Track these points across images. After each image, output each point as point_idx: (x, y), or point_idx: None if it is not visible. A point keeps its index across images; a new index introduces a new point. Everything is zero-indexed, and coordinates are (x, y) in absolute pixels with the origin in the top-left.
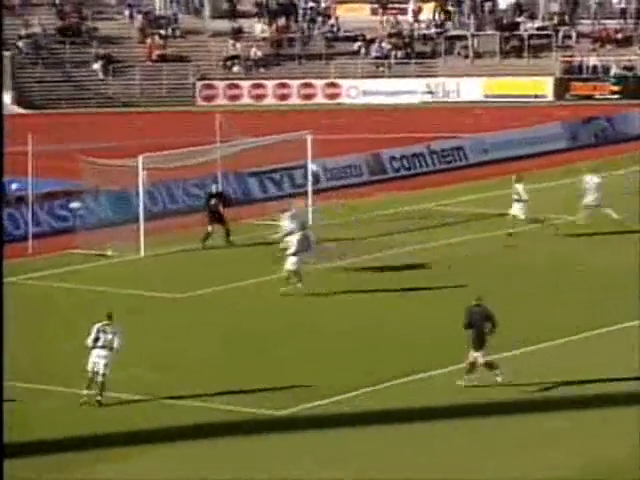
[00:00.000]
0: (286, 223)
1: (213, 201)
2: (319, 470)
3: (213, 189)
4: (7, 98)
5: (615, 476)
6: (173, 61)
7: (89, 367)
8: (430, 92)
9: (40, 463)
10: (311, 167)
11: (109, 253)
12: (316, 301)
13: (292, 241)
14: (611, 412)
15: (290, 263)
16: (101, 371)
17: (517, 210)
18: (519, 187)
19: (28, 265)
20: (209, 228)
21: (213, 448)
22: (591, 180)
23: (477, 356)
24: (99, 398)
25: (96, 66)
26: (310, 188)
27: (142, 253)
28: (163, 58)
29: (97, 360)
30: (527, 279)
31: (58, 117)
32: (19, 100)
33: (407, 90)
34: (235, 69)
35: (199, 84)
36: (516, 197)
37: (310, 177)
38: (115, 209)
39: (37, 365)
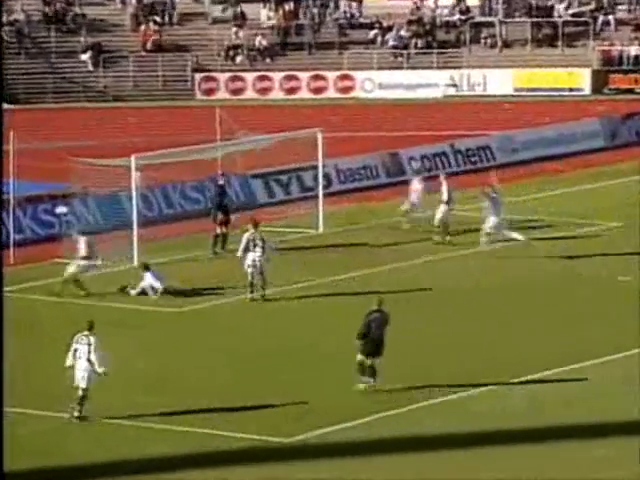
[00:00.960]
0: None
1: (223, 198)
2: None
3: (220, 181)
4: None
5: None
6: (170, 51)
7: (74, 383)
8: (454, 85)
9: None
10: (322, 168)
11: (99, 262)
12: (321, 317)
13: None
14: None
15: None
16: (80, 385)
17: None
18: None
19: (9, 276)
20: (218, 230)
21: (218, 478)
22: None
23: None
24: (80, 414)
25: (85, 56)
26: (321, 191)
27: (135, 262)
28: (159, 47)
29: (77, 373)
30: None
31: (43, 112)
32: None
33: (428, 83)
34: (238, 59)
35: (198, 76)
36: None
37: (321, 179)
38: (105, 214)
39: (19, 386)
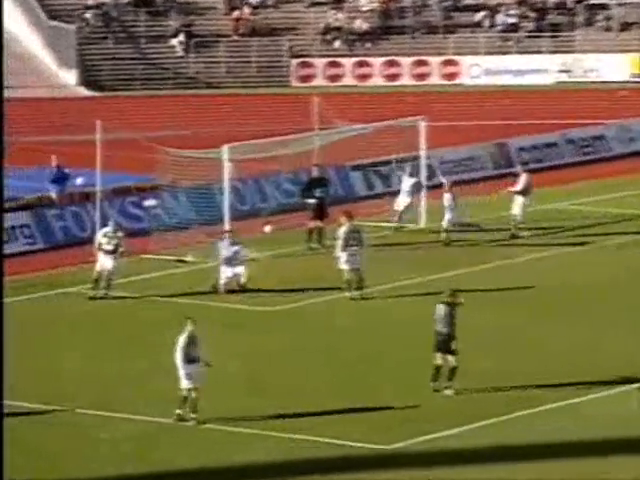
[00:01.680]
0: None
1: (317, 191)
2: None
3: (315, 173)
4: (72, 78)
5: None
6: (264, 35)
7: (183, 384)
8: (566, 71)
9: None
10: (425, 159)
11: (189, 259)
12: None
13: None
14: None
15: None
16: (193, 386)
17: None
18: None
19: (93, 273)
20: (311, 224)
21: None
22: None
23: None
24: (194, 416)
25: (175, 41)
26: (424, 184)
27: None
28: (253, 31)
29: (193, 376)
30: None
31: (130, 100)
32: (86, 81)
33: (539, 69)
34: (336, 44)
35: (294, 62)
36: None
37: (424, 171)
38: (196, 207)
39: (98, 388)
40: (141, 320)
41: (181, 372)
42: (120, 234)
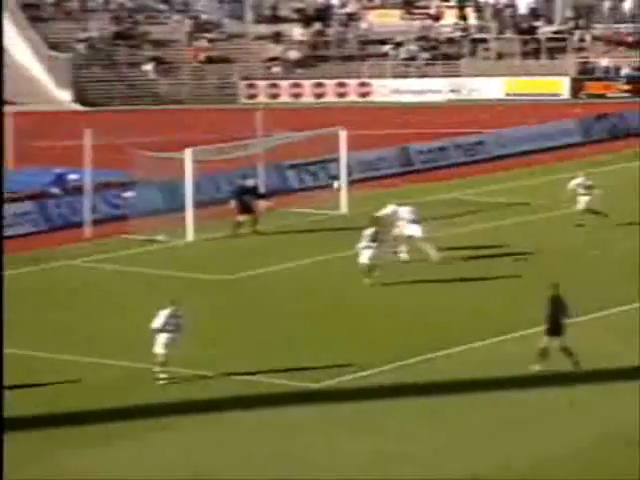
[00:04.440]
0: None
1: (246, 196)
2: (352, 439)
3: (247, 183)
4: (67, 96)
5: (630, 448)
6: (218, 62)
7: (159, 349)
8: (455, 91)
9: (99, 430)
10: (344, 160)
11: (159, 238)
12: (350, 285)
13: (364, 235)
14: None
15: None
16: (167, 352)
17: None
18: (588, 182)
19: (86, 249)
20: (240, 218)
21: (257, 418)
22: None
23: (553, 341)
24: (163, 375)
25: (148, 67)
26: (344, 179)
27: (190, 238)
28: (209, 60)
29: (167, 342)
30: (551, 262)
31: (113, 114)
32: (78, 98)
33: (433, 89)
34: (275, 70)
35: (242, 83)
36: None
37: (344, 169)
38: (165, 198)
39: (92, 340)
40: (121, 288)
41: (159, 339)
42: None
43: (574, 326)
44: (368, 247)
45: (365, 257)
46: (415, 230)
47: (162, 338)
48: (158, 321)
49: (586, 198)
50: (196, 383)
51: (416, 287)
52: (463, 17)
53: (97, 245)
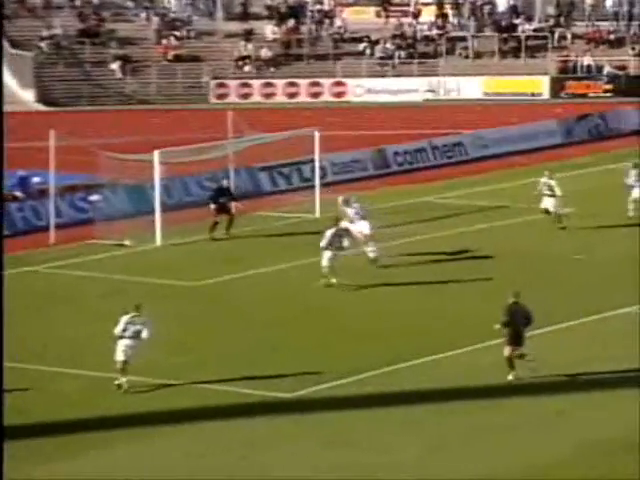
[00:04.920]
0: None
1: (222, 198)
2: (323, 451)
3: (224, 184)
4: (30, 96)
5: (610, 457)
6: (188, 61)
7: (119, 357)
8: (432, 90)
9: (65, 442)
10: (318, 162)
11: (127, 243)
12: (324, 290)
13: (325, 235)
14: (609, 395)
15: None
16: (130, 360)
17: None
18: (551, 182)
19: (50, 254)
20: (217, 219)
21: (225, 429)
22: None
23: (514, 350)
24: (121, 383)
25: (114, 66)
26: (318, 182)
27: (158, 243)
28: (178, 58)
29: (126, 349)
30: (527, 267)
31: (78, 114)
32: (42, 98)
33: (410, 89)
34: (246, 69)
35: (212, 83)
36: (548, 192)
37: (318, 171)
38: (132, 201)
39: (57, 349)
40: (87, 293)
41: (119, 346)
42: None
43: (553, 333)
44: (327, 248)
45: (325, 259)
46: (363, 226)
47: (121, 345)
48: (118, 327)
49: (550, 199)
50: (163, 392)
51: (392, 291)
52: (441, 15)
53: (62, 250)
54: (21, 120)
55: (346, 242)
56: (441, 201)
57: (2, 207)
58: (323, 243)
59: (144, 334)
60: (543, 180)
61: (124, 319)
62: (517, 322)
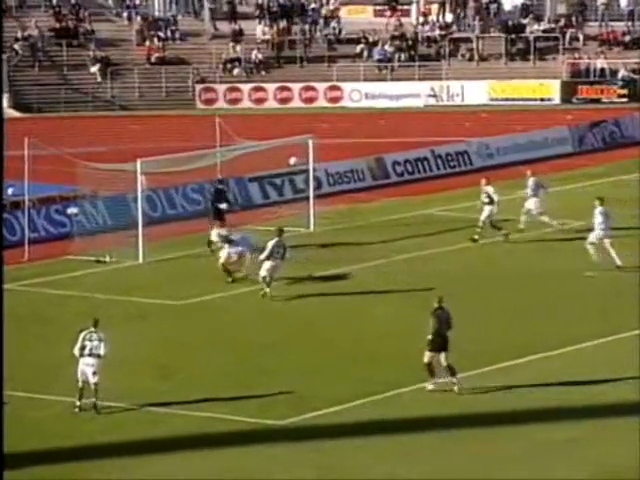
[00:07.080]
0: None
1: (220, 203)
2: None
3: (220, 186)
4: (4, 101)
5: None
6: (172, 64)
7: (78, 376)
8: (434, 95)
9: (35, 473)
10: (313, 172)
11: (107, 259)
12: (316, 309)
13: (268, 245)
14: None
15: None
16: (91, 380)
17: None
18: (489, 189)
19: (24, 272)
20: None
21: (212, 458)
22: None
23: (440, 357)
24: (96, 404)
25: (94, 69)
26: (312, 193)
27: (141, 259)
28: (162, 61)
29: (85, 368)
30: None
31: (55, 121)
32: (15, 103)
33: (411, 93)
34: (235, 72)
35: (199, 87)
36: (486, 200)
37: (312, 182)
38: (113, 214)
39: (30, 373)
40: (63, 314)
41: (79, 365)
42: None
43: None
44: (269, 258)
45: (263, 269)
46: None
47: (81, 364)
48: (77, 345)
49: (489, 207)
50: (145, 418)
51: (390, 312)
52: (443, 14)
53: (37, 267)
54: None
55: (287, 253)
56: (444, 214)
57: (2, 213)
58: (263, 255)
59: (101, 351)
60: (483, 188)
61: (81, 335)
62: (442, 327)
